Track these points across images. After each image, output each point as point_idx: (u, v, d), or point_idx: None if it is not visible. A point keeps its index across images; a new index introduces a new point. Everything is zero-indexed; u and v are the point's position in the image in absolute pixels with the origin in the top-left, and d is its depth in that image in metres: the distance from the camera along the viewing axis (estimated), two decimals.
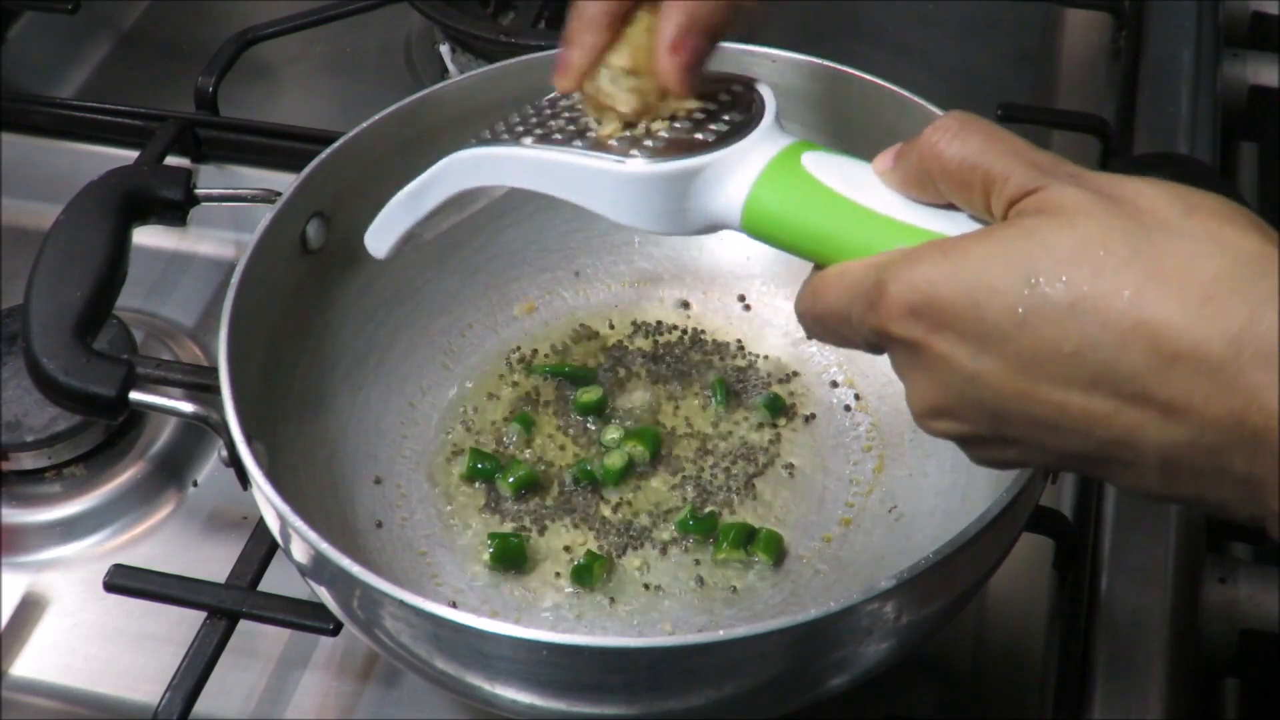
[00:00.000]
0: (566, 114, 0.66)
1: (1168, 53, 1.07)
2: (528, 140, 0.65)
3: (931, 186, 0.56)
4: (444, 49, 1.11)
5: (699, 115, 0.64)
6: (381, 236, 0.72)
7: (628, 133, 0.63)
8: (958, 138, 0.55)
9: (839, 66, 0.82)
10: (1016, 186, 0.53)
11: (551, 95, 0.67)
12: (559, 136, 0.65)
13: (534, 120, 0.66)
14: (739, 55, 0.82)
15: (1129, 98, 1.04)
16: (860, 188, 0.59)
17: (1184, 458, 0.49)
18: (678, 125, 0.63)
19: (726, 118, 0.64)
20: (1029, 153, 0.54)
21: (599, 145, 0.63)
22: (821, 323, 0.59)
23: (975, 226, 0.56)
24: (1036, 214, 0.52)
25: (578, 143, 0.64)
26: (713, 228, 0.63)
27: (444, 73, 1.11)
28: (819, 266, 0.59)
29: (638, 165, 0.62)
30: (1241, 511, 0.50)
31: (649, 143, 0.63)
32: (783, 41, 0.83)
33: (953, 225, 0.56)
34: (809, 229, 0.59)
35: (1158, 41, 1.08)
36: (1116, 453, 0.51)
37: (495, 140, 0.66)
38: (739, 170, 0.62)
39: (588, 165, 0.63)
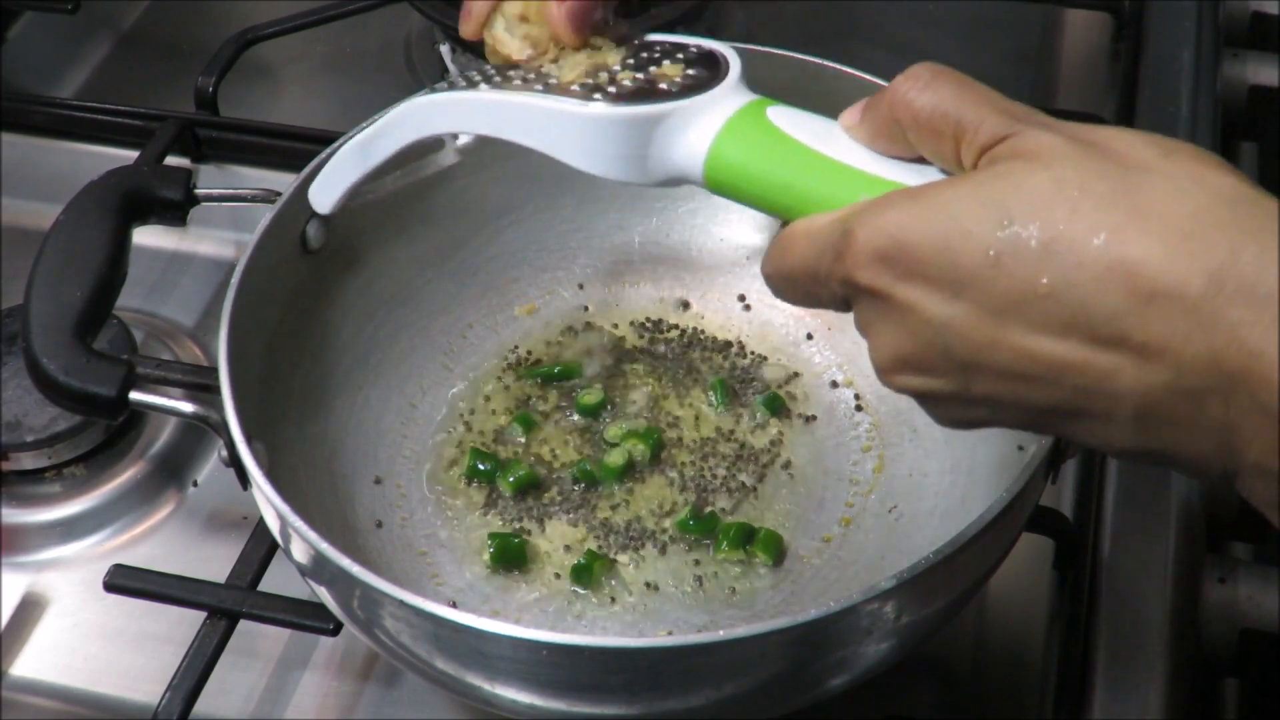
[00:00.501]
0: (524, 69, 0.66)
1: (1168, 53, 1.06)
2: (484, 87, 0.65)
3: (901, 138, 0.56)
4: (444, 49, 1.11)
5: (651, 68, 0.63)
6: (326, 190, 0.71)
7: (589, 80, 0.63)
8: (929, 87, 0.54)
9: (839, 66, 0.82)
10: (989, 133, 0.52)
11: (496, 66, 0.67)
12: (518, 83, 0.64)
13: (491, 73, 0.66)
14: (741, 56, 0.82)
15: (1129, 98, 1.04)
16: (827, 141, 0.58)
17: (1160, 404, 0.48)
18: (639, 76, 0.63)
19: (692, 72, 0.63)
20: (1001, 102, 0.54)
21: (560, 90, 0.63)
22: (790, 280, 0.57)
23: (944, 179, 0.55)
24: (1010, 159, 0.51)
25: (538, 87, 0.63)
26: (674, 180, 0.63)
27: (444, 73, 1.11)
28: (784, 225, 0.58)
29: (599, 108, 0.62)
30: (1215, 466, 0.49)
31: (611, 89, 0.62)
32: (783, 41, 0.83)
33: (921, 178, 0.56)
34: (773, 181, 0.59)
35: (1158, 41, 1.08)
36: (1089, 404, 0.49)
37: (452, 88, 0.66)
38: (702, 120, 0.61)
39: (548, 107, 0.63)
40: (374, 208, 0.84)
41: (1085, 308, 0.48)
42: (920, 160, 0.56)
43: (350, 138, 0.71)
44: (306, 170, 0.79)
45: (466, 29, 0.66)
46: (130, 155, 1.00)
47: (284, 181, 0.80)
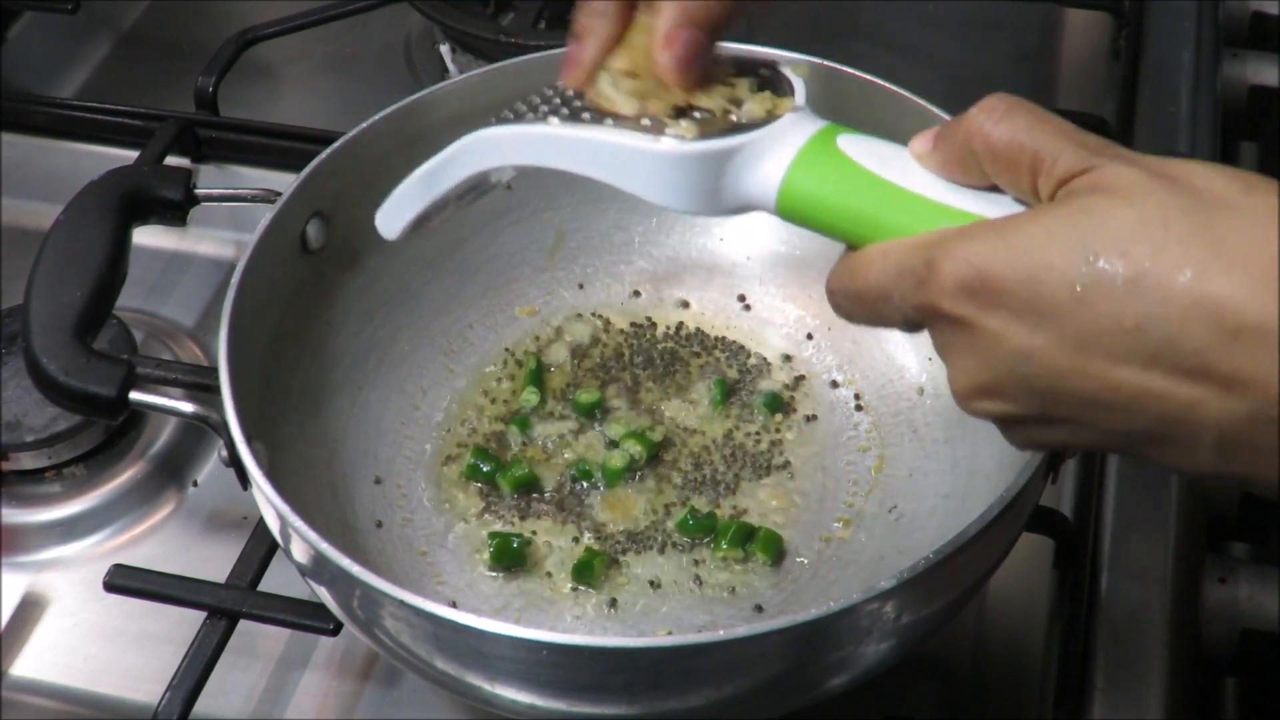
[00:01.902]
0: (589, 104, 0.65)
1: (1168, 53, 1.06)
2: (554, 120, 0.64)
3: (975, 168, 0.56)
4: (444, 49, 1.11)
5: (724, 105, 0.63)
6: (393, 217, 0.70)
7: (659, 114, 0.63)
8: (1005, 118, 0.55)
9: (839, 66, 0.82)
10: (1066, 167, 0.53)
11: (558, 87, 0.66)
12: (587, 116, 0.64)
13: (557, 102, 0.65)
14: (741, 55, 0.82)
15: (1129, 98, 1.04)
16: (898, 170, 0.58)
17: (1243, 433, 0.49)
18: (709, 109, 0.63)
19: (759, 100, 0.63)
20: (1078, 134, 0.54)
21: (631, 124, 0.63)
22: (859, 299, 0.58)
23: (1019, 209, 0.55)
24: (1091, 192, 0.51)
25: (608, 121, 0.63)
26: (746, 209, 0.63)
27: (444, 73, 1.11)
28: (851, 248, 0.59)
29: (672, 144, 0.61)
30: None
31: (683, 122, 0.62)
32: (783, 41, 0.83)
33: (996, 208, 0.56)
34: (846, 211, 0.59)
35: (1158, 41, 1.08)
36: (1169, 431, 0.50)
37: (519, 119, 0.65)
38: (774, 152, 0.61)
39: (622, 144, 0.62)
40: (376, 206, 0.84)
41: (1170, 342, 0.49)
42: (993, 189, 0.56)
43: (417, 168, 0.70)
44: (307, 170, 0.80)
45: (570, 79, 0.65)
46: (130, 155, 1.00)
47: (284, 181, 0.80)
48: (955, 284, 0.52)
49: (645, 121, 0.62)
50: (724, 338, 0.89)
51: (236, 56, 1.07)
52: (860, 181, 0.59)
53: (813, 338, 0.88)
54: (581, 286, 0.91)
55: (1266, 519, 0.84)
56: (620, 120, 0.63)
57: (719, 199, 0.62)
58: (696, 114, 0.62)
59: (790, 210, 0.61)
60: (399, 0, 1.10)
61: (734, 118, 0.62)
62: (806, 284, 0.89)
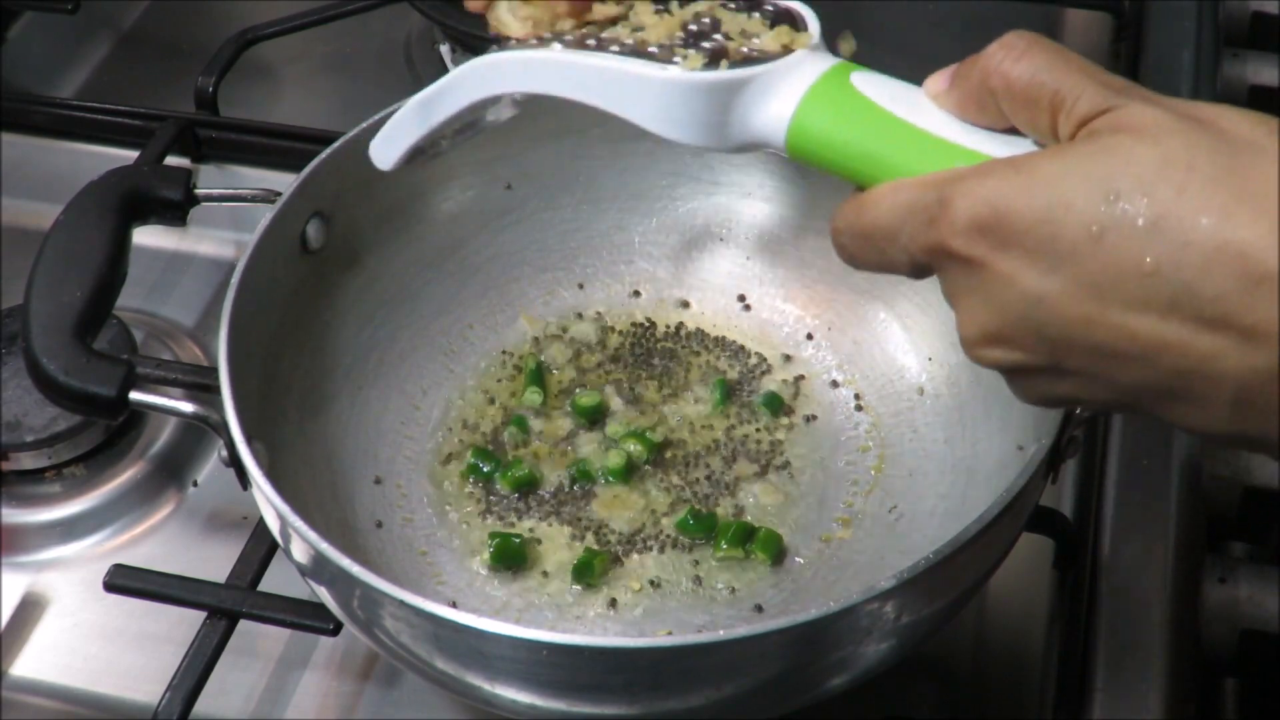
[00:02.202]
0: (596, 28, 0.64)
1: (1168, 53, 1.06)
2: (557, 46, 0.63)
3: (992, 108, 0.54)
4: (444, 49, 1.11)
5: (726, 31, 0.62)
6: (388, 146, 0.69)
7: (668, 41, 0.61)
8: (1025, 55, 0.53)
9: None
10: (1089, 105, 0.51)
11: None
12: (592, 43, 0.62)
13: (561, 32, 0.64)
14: None
15: None
16: (913, 108, 0.57)
17: (1263, 387, 0.47)
18: (717, 37, 0.61)
19: (771, 35, 0.62)
20: (1101, 73, 0.52)
21: (637, 51, 0.61)
22: (866, 238, 0.56)
23: (1037, 151, 0.53)
24: (1113, 132, 0.50)
25: (614, 48, 0.61)
26: (753, 145, 0.61)
27: (444, 73, 1.10)
28: (860, 189, 0.57)
29: (678, 73, 0.60)
30: None
31: (691, 52, 0.60)
32: None
33: (1013, 149, 0.54)
34: (858, 149, 0.57)
35: (1158, 41, 1.08)
36: (1185, 385, 0.48)
37: (521, 46, 0.64)
38: (785, 86, 0.59)
39: (627, 70, 0.61)
40: (376, 206, 0.84)
41: (1190, 288, 0.47)
42: (1011, 131, 0.55)
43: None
44: (307, 170, 0.80)
45: (473, 3, 0.65)
46: (130, 155, 1.00)
47: (284, 181, 0.80)
48: (969, 221, 0.51)
49: (653, 50, 0.61)
50: (724, 338, 0.89)
51: (236, 56, 1.07)
52: (873, 119, 0.57)
53: (813, 338, 0.88)
54: (581, 286, 0.91)
55: (1266, 519, 0.84)
56: (626, 48, 0.61)
57: (726, 133, 0.60)
58: (707, 44, 0.61)
59: (800, 147, 0.59)
60: (399, 0, 1.10)
61: (745, 50, 0.61)
62: (806, 284, 0.89)
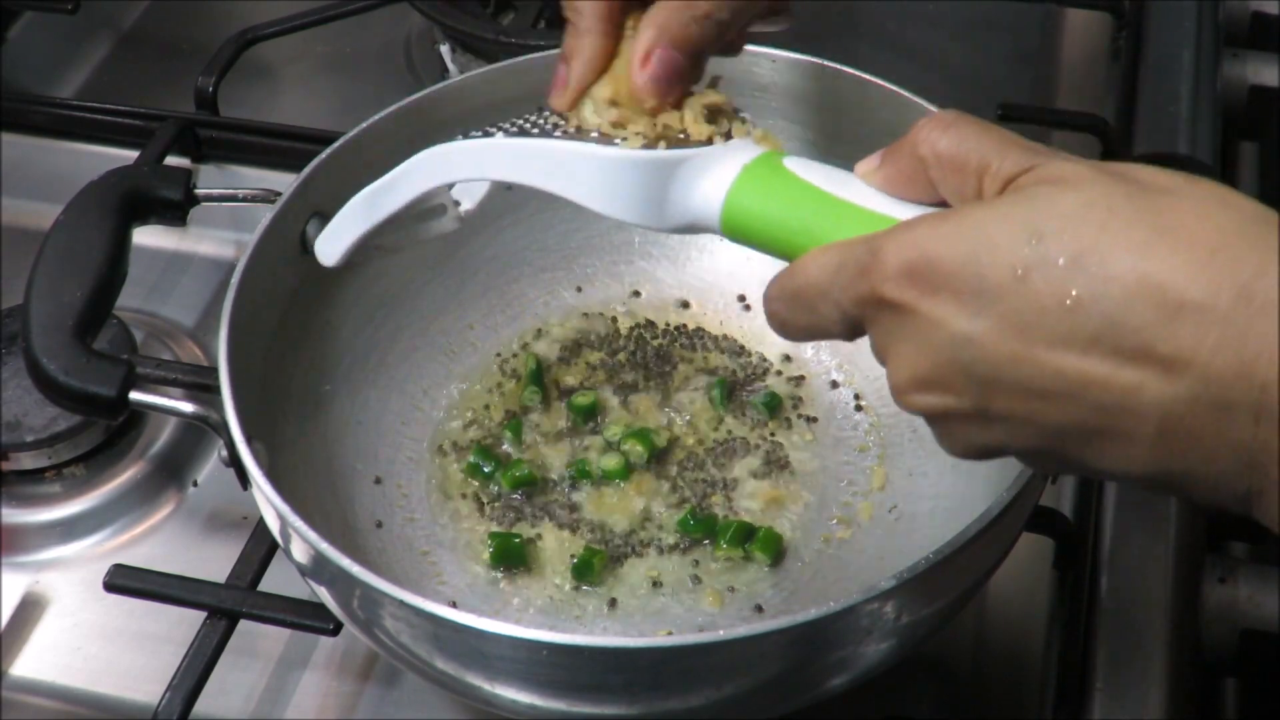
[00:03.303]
0: (541, 120, 0.66)
1: (1168, 53, 1.06)
2: (499, 134, 0.65)
3: (921, 179, 0.56)
4: (444, 49, 1.11)
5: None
6: (333, 241, 0.71)
7: (607, 131, 0.64)
8: (953, 125, 0.55)
9: (839, 66, 0.82)
10: (1014, 165, 0.53)
11: (525, 113, 0.67)
12: (535, 131, 0.65)
13: (506, 125, 0.66)
14: (740, 56, 0.82)
15: (1129, 98, 1.04)
16: (843, 186, 0.59)
17: (1184, 419, 0.48)
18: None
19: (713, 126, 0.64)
20: (1024, 141, 0.54)
21: (578, 136, 0.64)
22: (797, 299, 0.57)
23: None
24: (1038, 184, 0.51)
25: (557, 134, 0.64)
26: (691, 226, 0.63)
27: (444, 73, 1.11)
28: None
29: (617, 151, 0.62)
30: (1237, 486, 0.48)
31: (630, 136, 0.63)
32: (783, 41, 0.83)
33: None
34: (791, 225, 0.59)
35: (1158, 41, 1.08)
36: (1110, 421, 0.49)
37: (466, 137, 0.66)
38: (720, 166, 0.62)
39: (568, 149, 0.63)
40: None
41: (1111, 321, 0.48)
42: (940, 204, 0.56)
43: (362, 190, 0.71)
44: (307, 170, 0.80)
45: (559, 102, 0.66)
46: (130, 155, 1.00)
47: (284, 181, 0.80)
48: (898, 267, 0.52)
49: (594, 135, 0.63)
50: (724, 338, 0.89)
51: (236, 56, 1.07)
52: (805, 195, 0.59)
53: None
54: (580, 289, 0.91)
55: None
56: (569, 134, 0.64)
57: (664, 211, 0.63)
58: (646, 132, 0.63)
59: (734, 223, 0.61)
60: (399, 0, 1.10)
61: (682, 136, 0.63)
62: None
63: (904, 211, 0.57)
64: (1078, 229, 0.49)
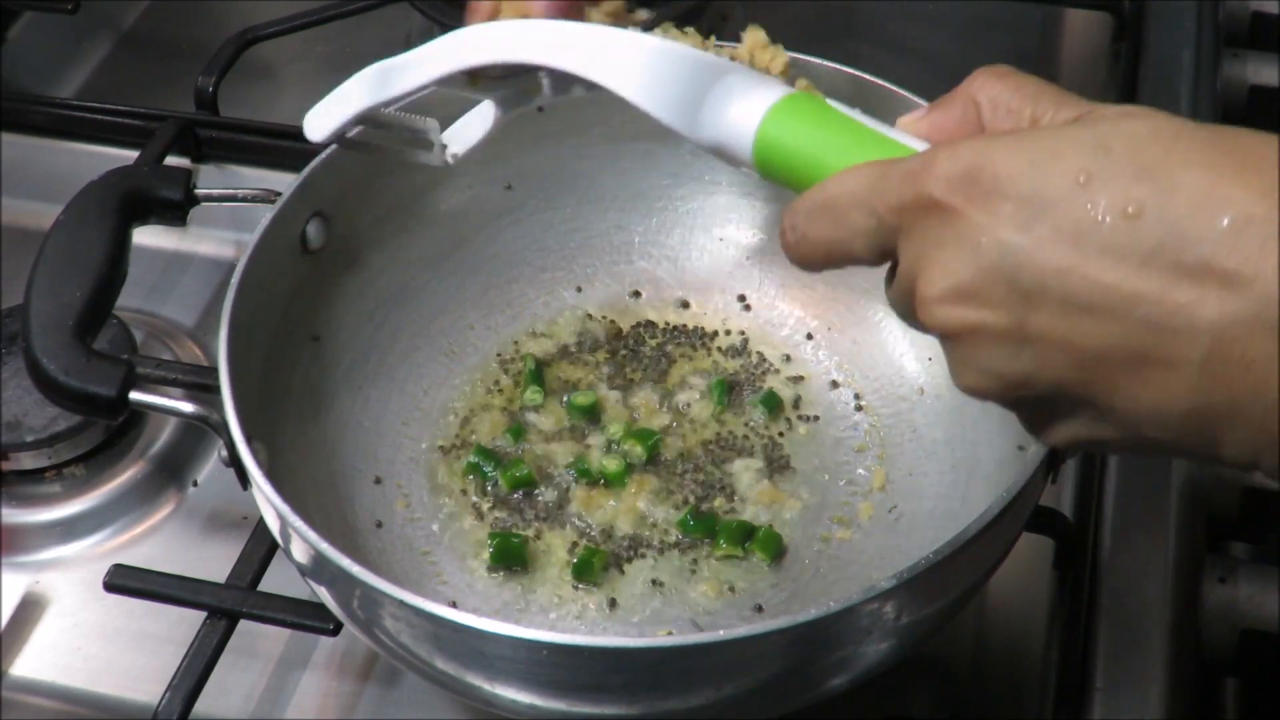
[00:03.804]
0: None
1: (1168, 53, 1.07)
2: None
3: (972, 127, 0.55)
4: None
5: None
6: (327, 116, 0.67)
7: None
8: (1009, 75, 0.54)
9: (839, 66, 0.82)
10: (1071, 110, 0.52)
11: None
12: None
13: None
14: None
15: (1129, 98, 1.04)
16: (887, 128, 0.58)
17: (1239, 341, 0.46)
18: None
19: None
20: (1078, 97, 0.54)
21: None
22: (826, 209, 0.54)
23: None
24: (1101, 116, 0.51)
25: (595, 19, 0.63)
26: (721, 145, 0.60)
27: None
28: None
29: (667, 41, 0.60)
30: (1271, 426, 0.46)
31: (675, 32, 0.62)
32: (783, 41, 0.83)
33: None
34: (830, 153, 0.56)
35: (1158, 41, 1.08)
36: (1156, 344, 0.47)
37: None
38: (764, 88, 0.60)
39: (615, 33, 0.60)
40: (376, 206, 0.84)
41: (1174, 232, 0.46)
42: None
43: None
44: (307, 170, 0.79)
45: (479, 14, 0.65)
46: (130, 155, 1.00)
47: (284, 181, 0.80)
48: (953, 171, 0.50)
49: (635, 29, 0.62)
50: (724, 338, 0.89)
51: (236, 56, 1.07)
52: (847, 127, 0.57)
53: (813, 338, 0.88)
54: (580, 289, 0.91)
55: (1266, 519, 0.84)
56: (609, 21, 0.63)
57: (698, 118, 0.60)
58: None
59: (768, 150, 0.58)
60: (399, 0, 1.10)
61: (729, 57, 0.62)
62: (806, 284, 0.89)
63: None
64: (1147, 146, 0.48)
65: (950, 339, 0.52)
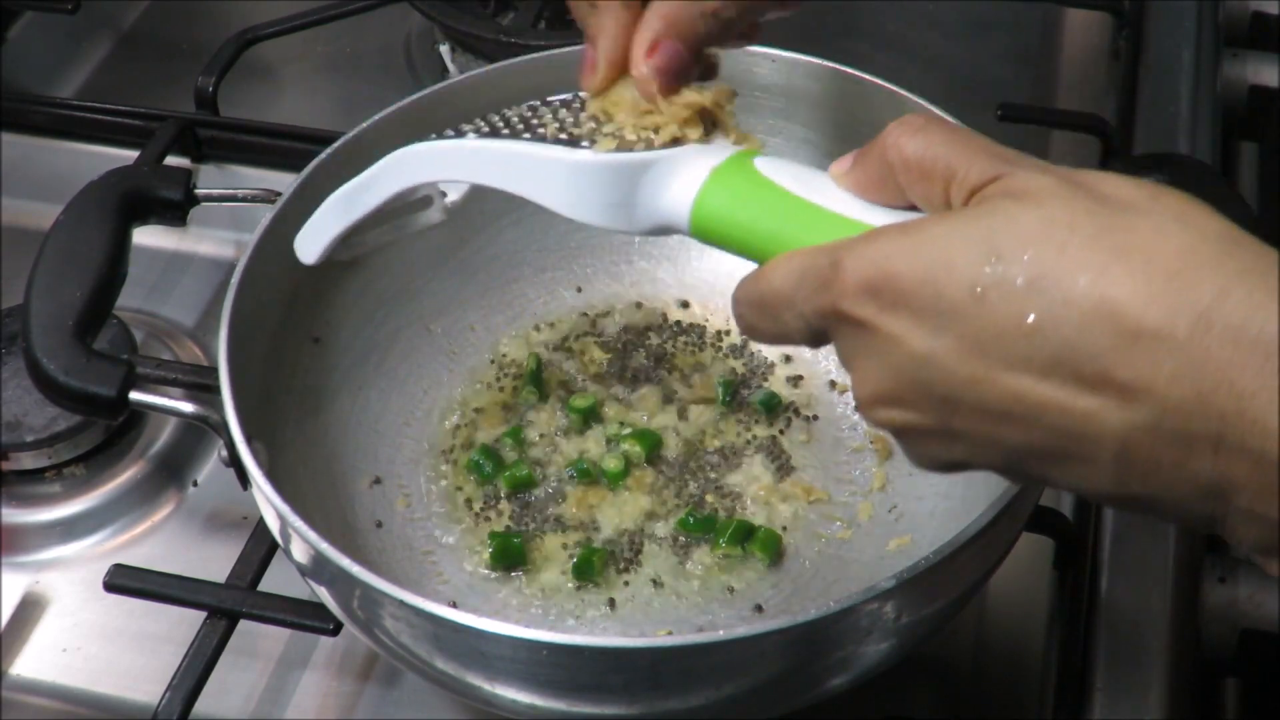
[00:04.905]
0: (515, 117, 0.66)
1: (1168, 53, 1.07)
2: (470, 135, 0.65)
3: (891, 185, 0.55)
4: (444, 49, 1.11)
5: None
6: (311, 240, 0.71)
7: (577, 131, 0.64)
8: (921, 131, 0.54)
9: (839, 66, 0.82)
10: (979, 174, 0.52)
11: (503, 110, 0.67)
12: (506, 131, 0.65)
13: (479, 124, 0.66)
14: (740, 56, 0.82)
15: (1129, 98, 1.04)
16: (814, 189, 0.58)
17: (1143, 447, 0.47)
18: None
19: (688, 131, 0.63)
20: (993, 146, 0.53)
21: (546, 138, 0.63)
22: (762, 306, 0.57)
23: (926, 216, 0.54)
24: (1000, 197, 0.50)
25: (526, 135, 0.64)
26: (661, 229, 0.63)
27: (444, 73, 1.11)
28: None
29: (585, 155, 0.62)
30: (1200, 510, 0.48)
31: (601, 138, 0.63)
32: (783, 41, 0.83)
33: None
34: (760, 229, 0.58)
35: (1158, 41, 1.08)
36: (1069, 445, 0.48)
37: (440, 137, 0.66)
38: (689, 168, 0.61)
39: (535, 154, 0.63)
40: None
41: (1069, 346, 0.47)
42: (909, 209, 0.56)
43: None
44: (307, 170, 0.80)
45: (591, 84, 0.65)
46: (130, 155, 1.00)
47: (284, 181, 0.80)
48: (858, 283, 0.51)
49: (562, 137, 0.63)
50: (724, 338, 0.89)
51: (236, 56, 1.07)
52: (774, 198, 0.59)
53: None
54: (580, 289, 0.91)
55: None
56: (537, 135, 0.64)
57: (633, 215, 0.62)
58: (611, 132, 0.63)
59: (704, 228, 0.61)
60: (399, 0, 1.10)
61: (653, 137, 0.63)
62: None
63: (872, 216, 0.56)
64: (1037, 249, 0.48)
65: (890, 433, 0.54)
